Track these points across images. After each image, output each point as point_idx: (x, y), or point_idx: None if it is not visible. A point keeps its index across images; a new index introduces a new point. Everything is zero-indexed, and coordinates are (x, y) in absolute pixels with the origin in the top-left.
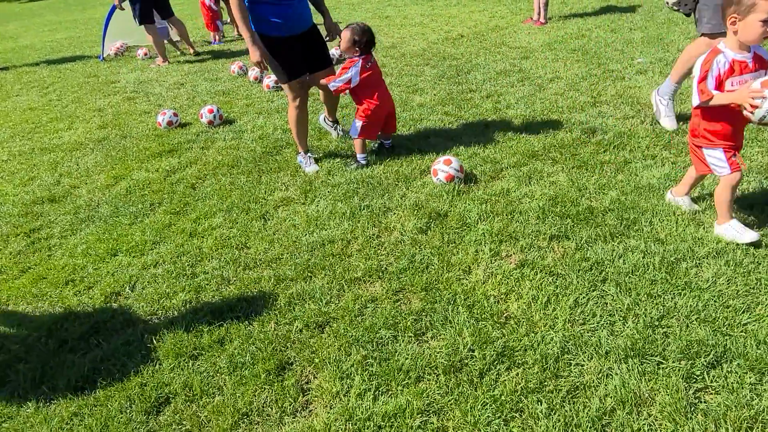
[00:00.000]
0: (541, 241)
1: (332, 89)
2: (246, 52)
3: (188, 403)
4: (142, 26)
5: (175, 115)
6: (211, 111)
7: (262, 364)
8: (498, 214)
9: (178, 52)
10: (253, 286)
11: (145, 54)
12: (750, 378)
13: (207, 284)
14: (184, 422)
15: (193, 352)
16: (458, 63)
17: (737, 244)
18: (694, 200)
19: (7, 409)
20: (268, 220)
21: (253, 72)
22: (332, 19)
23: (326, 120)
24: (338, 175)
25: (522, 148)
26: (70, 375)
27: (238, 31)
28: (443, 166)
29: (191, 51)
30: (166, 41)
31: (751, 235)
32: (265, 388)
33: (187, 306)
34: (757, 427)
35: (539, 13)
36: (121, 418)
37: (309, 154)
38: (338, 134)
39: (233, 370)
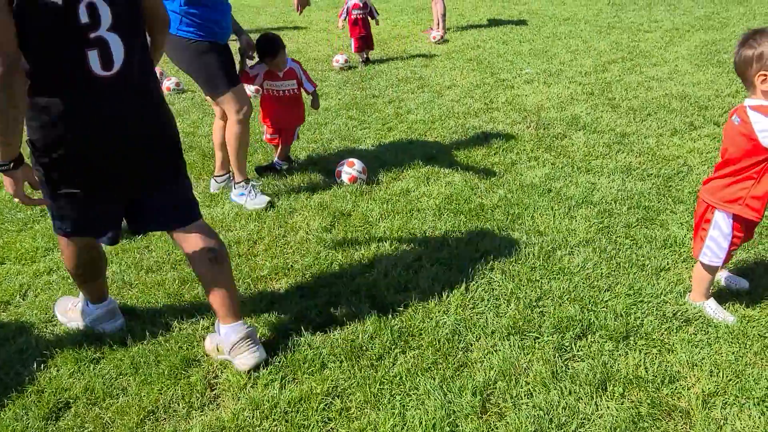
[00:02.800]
0: (437, 236)
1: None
2: None
3: (90, 406)
4: None
5: None
6: None
7: (167, 363)
8: (398, 213)
9: None
10: (157, 289)
11: None
12: (609, 346)
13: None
14: (86, 425)
15: (94, 356)
16: (362, 69)
17: (603, 232)
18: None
19: None
20: None
21: None
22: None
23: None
24: None
25: (421, 150)
26: None
27: None
28: (347, 168)
29: None
30: None
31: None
32: (171, 386)
33: None
34: (612, 385)
35: (438, 24)
36: (17, 426)
37: (252, 182)
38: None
39: (137, 370)
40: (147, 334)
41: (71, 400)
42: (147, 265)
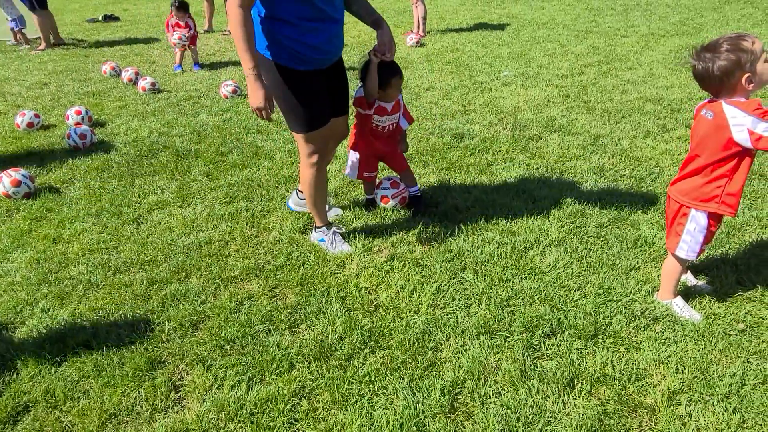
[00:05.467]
0: (411, 236)
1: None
2: (120, 53)
3: (50, 410)
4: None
5: (37, 116)
6: (78, 112)
7: (131, 365)
8: (372, 213)
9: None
10: (124, 290)
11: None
12: (577, 344)
13: (72, 290)
14: (45, 429)
15: (56, 359)
16: None
17: (575, 233)
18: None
19: None
20: (142, 223)
21: (127, 73)
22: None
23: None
24: (220, 178)
25: None
26: None
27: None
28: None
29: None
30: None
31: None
32: (134, 388)
33: (50, 313)
34: (579, 383)
35: (418, 27)
36: None
37: (334, 229)
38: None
39: (100, 372)
40: (112, 335)
41: (31, 404)
42: (115, 266)
